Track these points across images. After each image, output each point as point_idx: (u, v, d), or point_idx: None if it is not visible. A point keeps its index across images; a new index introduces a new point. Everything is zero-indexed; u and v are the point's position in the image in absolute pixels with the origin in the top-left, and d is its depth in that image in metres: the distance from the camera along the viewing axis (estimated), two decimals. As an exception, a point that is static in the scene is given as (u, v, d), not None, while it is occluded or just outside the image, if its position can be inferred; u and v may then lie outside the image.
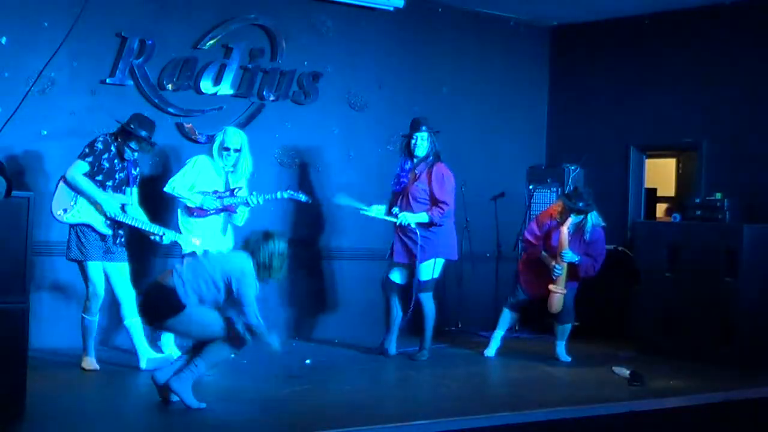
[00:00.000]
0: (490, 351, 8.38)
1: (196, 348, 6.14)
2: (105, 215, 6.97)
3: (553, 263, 8.03)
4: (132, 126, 7.03)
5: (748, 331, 8.12)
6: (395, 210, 8.06)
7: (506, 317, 8.40)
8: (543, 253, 8.12)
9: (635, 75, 9.96)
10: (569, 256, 8.00)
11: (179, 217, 7.56)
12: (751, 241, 8.21)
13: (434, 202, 8.00)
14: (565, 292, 8.07)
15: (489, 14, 10.08)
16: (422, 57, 9.74)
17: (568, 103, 10.47)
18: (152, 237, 7.10)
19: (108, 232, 7.01)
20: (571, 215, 8.00)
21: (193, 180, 7.46)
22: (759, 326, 8.14)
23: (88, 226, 6.97)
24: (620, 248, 9.63)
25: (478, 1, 9.77)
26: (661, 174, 10.70)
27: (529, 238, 8.23)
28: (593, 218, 8.11)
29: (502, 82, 10.25)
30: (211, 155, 7.55)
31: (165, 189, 7.49)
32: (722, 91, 9.33)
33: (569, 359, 8.18)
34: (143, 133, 7.03)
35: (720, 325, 8.21)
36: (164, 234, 7.08)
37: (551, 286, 8.06)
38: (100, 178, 6.99)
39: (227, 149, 7.52)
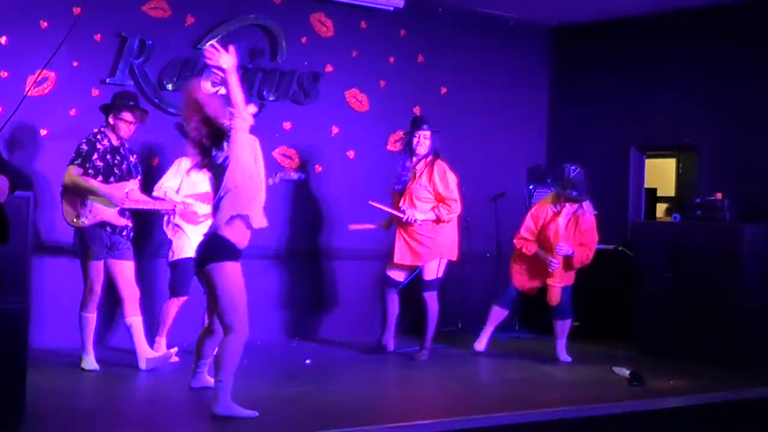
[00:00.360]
0: (480, 345, 8.38)
1: (199, 346, 6.18)
2: (115, 206, 6.98)
3: (549, 257, 8.04)
4: (118, 102, 7.06)
5: (748, 331, 8.13)
6: (402, 207, 8.06)
7: (494, 314, 8.41)
8: (538, 250, 8.14)
9: (635, 75, 9.96)
10: (565, 249, 8.02)
11: (169, 223, 7.52)
12: (751, 241, 8.22)
13: (440, 200, 8.01)
14: (563, 284, 8.08)
15: (489, 14, 10.08)
16: (422, 57, 9.75)
17: (568, 103, 10.47)
18: (164, 213, 7.15)
19: (124, 222, 7.04)
20: (567, 204, 8.07)
21: (179, 181, 7.43)
22: (759, 326, 8.14)
23: (105, 222, 6.97)
24: (620, 248, 9.63)
25: (478, 1, 9.77)
26: (661, 174, 10.70)
27: (525, 234, 8.24)
28: (589, 209, 8.19)
29: (502, 82, 10.26)
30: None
31: (154, 193, 7.46)
32: (722, 91, 9.33)
33: (569, 360, 8.17)
34: (131, 103, 7.06)
35: (720, 325, 8.21)
36: (177, 205, 7.10)
37: (549, 280, 8.07)
38: (100, 179, 6.99)
39: None
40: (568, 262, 8.12)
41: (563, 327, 8.23)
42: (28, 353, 5.43)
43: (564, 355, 8.20)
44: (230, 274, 5.69)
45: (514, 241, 8.33)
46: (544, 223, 8.18)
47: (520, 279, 8.33)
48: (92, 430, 5.55)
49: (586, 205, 8.21)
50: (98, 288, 7.07)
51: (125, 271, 7.11)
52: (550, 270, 8.07)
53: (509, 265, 8.46)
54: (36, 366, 6.26)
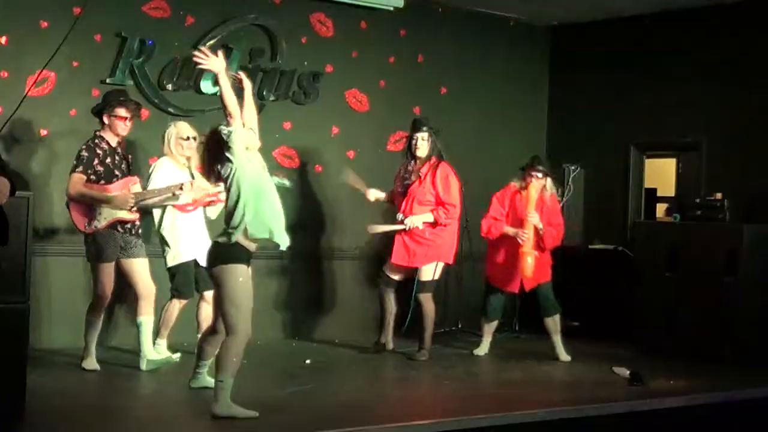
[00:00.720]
0: (480, 351, 8.40)
1: (200, 346, 6.18)
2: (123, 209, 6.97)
3: (519, 231, 8.06)
4: (109, 99, 7.02)
5: (748, 331, 8.12)
6: (399, 216, 8.07)
7: (486, 328, 8.42)
8: (506, 227, 8.16)
9: (635, 74, 9.96)
10: (536, 218, 8.05)
11: (163, 228, 7.40)
12: (751, 241, 8.21)
13: (440, 203, 8.02)
14: (535, 253, 8.07)
15: (489, 14, 10.09)
16: (422, 57, 9.75)
17: (568, 103, 10.48)
18: (176, 193, 7.10)
19: (135, 216, 7.01)
20: (533, 180, 8.12)
21: (165, 182, 7.39)
22: (759, 326, 8.14)
23: (119, 221, 6.95)
24: (620, 248, 9.63)
25: (478, 1, 9.78)
26: (661, 174, 10.70)
27: (494, 214, 8.25)
28: (551, 187, 8.25)
29: (502, 81, 10.26)
30: (169, 154, 7.41)
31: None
32: (722, 90, 9.33)
33: (569, 358, 8.18)
34: (121, 98, 7.03)
35: (720, 325, 8.21)
36: (184, 184, 7.07)
37: (521, 250, 8.06)
38: (102, 183, 6.97)
39: (186, 138, 7.42)
40: (539, 242, 8.13)
41: (554, 323, 8.25)
42: (28, 353, 5.43)
43: (563, 353, 8.21)
44: (238, 276, 5.69)
45: (482, 221, 8.27)
46: (511, 199, 8.23)
47: (498, 278, 8.32)
48: (92, 430, 5.55)
49: (550, 185, 8.26)
50: (109, 292, 7.01)
51: (140, 268, 7.08)
52: (521, 242, 8.06)
53: (485, 275, 8.45)
54: (36, 366, 6.27)
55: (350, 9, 9.17)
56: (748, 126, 9.16)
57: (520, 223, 8.11)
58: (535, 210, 8.10)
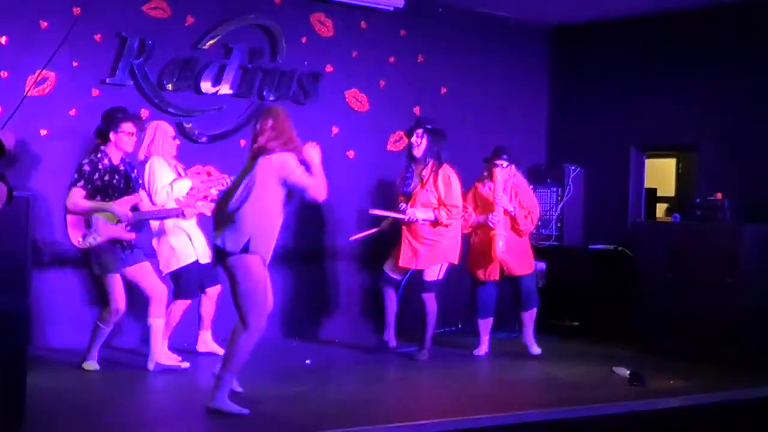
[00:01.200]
0: (480, 351, 8.41)
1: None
2: (120, 221, 6.93)
3: (489, 215, 8.13)
4: (113, 117, 7.00)
5: (748, 332, 8.12)
6: (402, 206, 8.06)
7: (481, 326, 8.42)
8: (474, 216, 8.25)
9: (635, 75, 9.96)
10: (505, 200, 8.14)
11: (166, 233, 7.41)
12: (751, 241, 8.21)
13: (442, 204, 8.01)
14: (505, 234, 8.12)
15: (489, 14, 10.09)
16: (422, 57, 9.75)
17: (568, 103, 10.48)
18: (176, 217, 7.10)
19: (131, 235, 6.97)
20: (497, 169, 8.18)
21: (173, 175, 7.39)
22: (759, 326, 8.14)
23: (114, 238, 6.92)
24: (620, 248, 9.63)
25: (478, 1, 9.78)
26: (661, 174, 10.70)
27: (468, 208, 8.31)
28: (514, 173, 8.33)
29: (501, 82, 10.26)
30: (159, 153, 7.43)
31: (155, 197, 7.32)
32: (722, 91, 9.33)
33: (540, 351, 8.26)
34: (120, 114, 7.01)
35: (720, 325, 8.21)
36: (183, 210, 7.06)
37: (491, 233, 8.11)
38: (99, 198, 6.93)
39: (174, 138, 7.50)
40: (513, 226, 8.21)
41: (531, 317, 8.36)
42: (28, 353, 5.43)
43: (535, 346, 8.30)
44: (251, 265, 5.74)
45: (455, 213, 8.20)
46: (474, 193, 8.33)
47: (478, 266, 8.32)
48: (92, 430, 5.55)
49: (513, 171, 8.31)
50: (122, 305, 6.97)
51: (144, 272, 7.07)
52: (491, 225, 8.10)
53: (469, 273, 8.46)
54: (36, 366, 6.27)
55: (350, 9, 9.17)
56: (748, 126, 9.16)
57: (487, 212, 8.20)
58: (507, 195, 8.21)
